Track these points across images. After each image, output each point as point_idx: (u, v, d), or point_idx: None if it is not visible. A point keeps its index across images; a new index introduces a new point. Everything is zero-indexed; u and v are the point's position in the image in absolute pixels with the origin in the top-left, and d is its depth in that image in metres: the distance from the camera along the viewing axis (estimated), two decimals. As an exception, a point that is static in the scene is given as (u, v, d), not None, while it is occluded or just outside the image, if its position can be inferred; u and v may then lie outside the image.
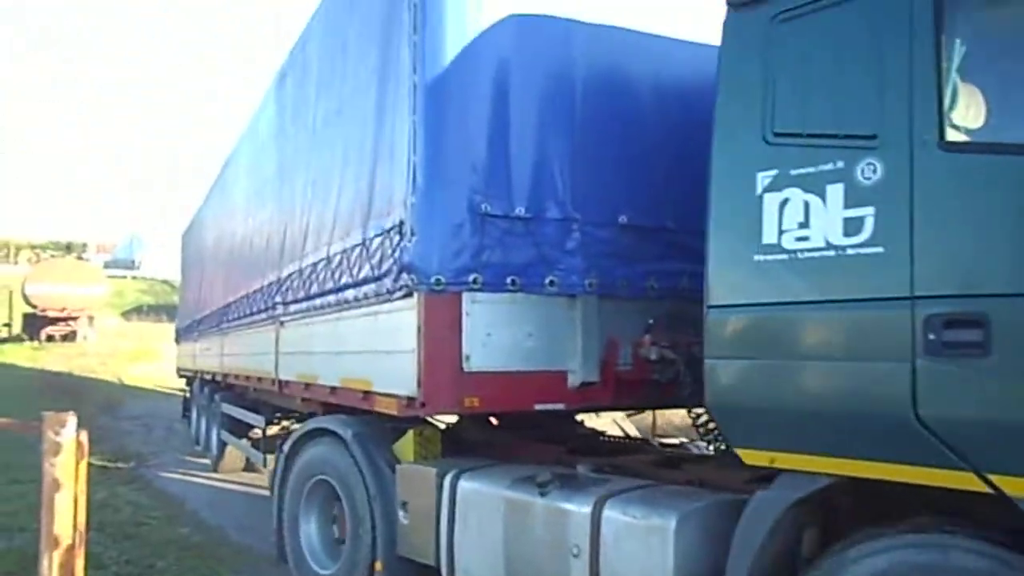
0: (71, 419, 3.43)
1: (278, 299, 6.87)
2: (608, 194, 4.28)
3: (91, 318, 30.75)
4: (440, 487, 4.25)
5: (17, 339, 29.79)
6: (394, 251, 4.27)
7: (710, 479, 3.83)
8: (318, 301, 5.66)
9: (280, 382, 6.79)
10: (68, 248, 49.70)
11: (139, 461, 11.57)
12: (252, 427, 9.85)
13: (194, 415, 13.52)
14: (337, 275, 5.24)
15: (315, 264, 5.76)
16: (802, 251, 2.80)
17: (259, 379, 7.79)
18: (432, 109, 3.96)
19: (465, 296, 3.94)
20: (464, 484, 4.13)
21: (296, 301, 6.28)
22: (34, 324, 29.61)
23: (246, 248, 8.60)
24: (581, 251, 4.18)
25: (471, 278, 3.94)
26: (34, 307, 29.56)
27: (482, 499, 4.01)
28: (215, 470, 10.54)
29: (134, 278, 44.77)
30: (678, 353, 4.13)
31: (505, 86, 4.07)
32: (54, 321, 29.51)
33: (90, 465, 3.69)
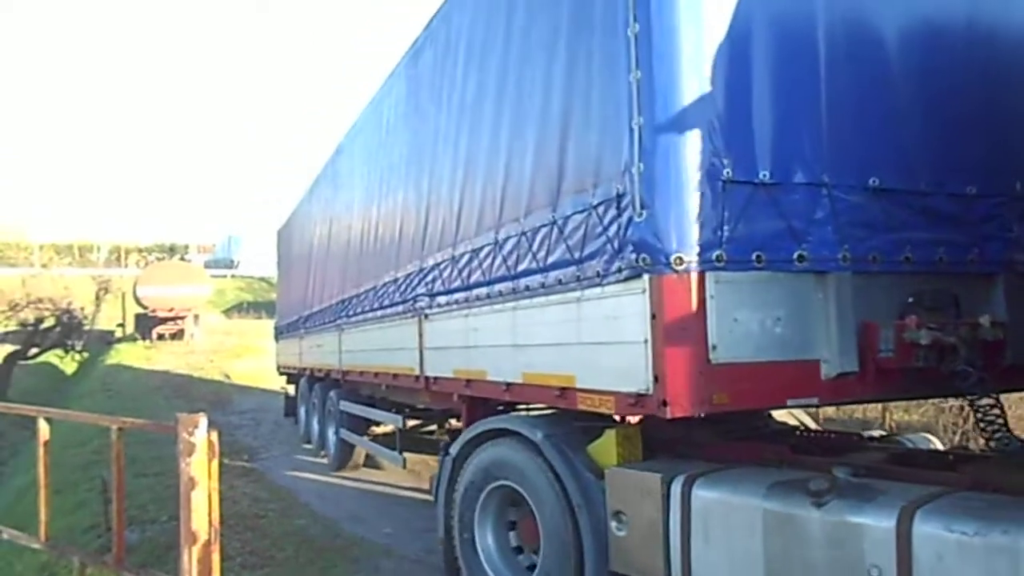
0: (202, 420, 3.54)
1: (421, 290, 6.45)
2: (857, 154, 3.70)
3: (197, 317, 31.82)
4: (667, 495, 3.71)
5: (131, 338, 31.05)
6: (607, 228, 3.75)
7: (1005, 483, 3.21)
8: (482, 291, 5.19)
9: (427, 379, 6.36)
10: (172, 250, 51.07)
11: (251, 455, 11.86)
12: (372, 425, 9.65)
13: (302, 414, 13.33)
14: (512, 261, 4.76)
15: (476, 251, 5.29)
16: None
17: (394, 376, 7.40)
18: (662, 65, 3.42)
19: (708, 276, 3.39)
20: (701, 492, 3.58)
21: (448, 292, 5.84)
22: (145, 324, 30.82)
23: (369, 239, 8.23)
24: (831, 221, 3.60)
25: (714, 255, 3.39)
26: (145, 308, 30.83)
27: (730, 510, 3.46)
28: (335, 469, 10.24)
29: (233, 276, 46.14)
30: (954, 335, 3.51)
31: (742, 36, 3.52)
32: (163, 321, 30.67)
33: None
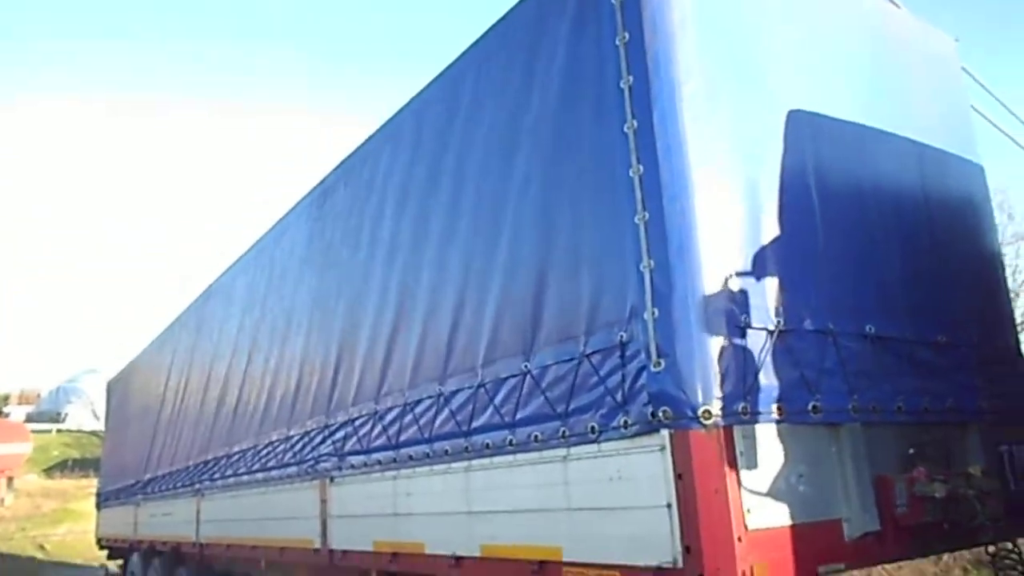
0: None
1: (326, 450, 5.72)
2: (853, 301, 3.63)
3: (10, 479, 27.67)
4: None
5: None
6: (605, 379, 3.39)
7: None
8: (419, 449, 4.61)
9: (331, 551, 5.52)
10: None
11: None
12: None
13: (133, 596, 11.46)
14: (464, 415, 4.25)
15: (410, 405, 4.74)
16: None
17: (281, 550, 6.42)
18: (677, 209, 3.22)
19: (736, 430, 3.07)
20: None
21: (367, 451, 5.17)
22: None
23: (249, 392, 7.36)
24: (840, 370, 3.44)
25: (739, 407, 3.10)
26: None
27: None
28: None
29: (59, 431, 40.72)
30: (971, 487, 3.38)
31: (751, 188, 3.44)
32: None
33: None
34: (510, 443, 3.91)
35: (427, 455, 4.53)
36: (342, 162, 6.07)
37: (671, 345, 3.11)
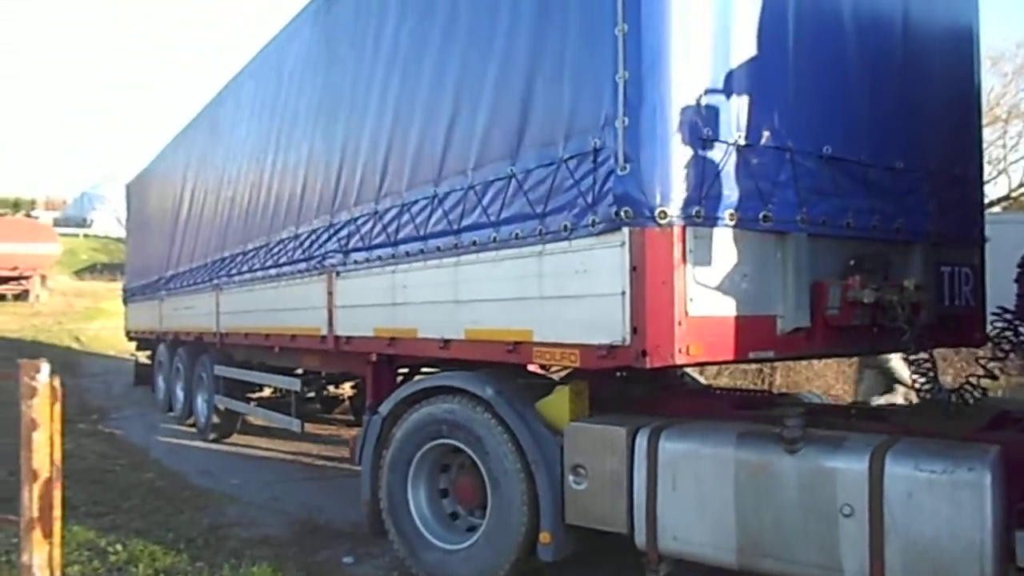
0: (44, 365, 3.67)
1: (331, 247, 6.17)
2: (815, 122, 3.90)
3: (44, 277, 29.27)
4: (632, 448, 3.80)
5: None
6: (579, 182, 3.74)
7: (930, 429, 3.53)
8: (414, 246, 5.04)
9: (337, 338, 6.12)
10: (15, 205, 46.34)
11: (101, 415, 11.80)
12: (250, 390, 9.27)
13: (160, 381, 12.50)
14: (455, 215, 4.64)
15: (407, 205, 5.12)
16: None
17: (292, 337, 7.06)
18: (650, 22, 3.43)
19: (688, 231, 3.46)
20: (669, 444, 3.68)
21: (368, 248, 5.62)
22: None
23: (261, 193, 7.76)
24: (792, 184, 3.78)
25: (694, 211, 3.47)
26: None
27: (700, 460, 3.58)
28: (209, 436, 9.69)
29: (86, 236, 42.35)
30: (894, 295, 3.80)
31: (726, 5, 3.63)
32: (5, 280, 28.08)
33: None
34: (494, 240, 4.32)
35: (421, 251, 4.97)
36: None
37: (637, 152, 3.43)
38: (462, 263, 4.62)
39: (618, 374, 4.58)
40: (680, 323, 3.42)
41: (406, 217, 5.14)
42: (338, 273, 6.10)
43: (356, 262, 5.81)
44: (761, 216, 3.67)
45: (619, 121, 3.47)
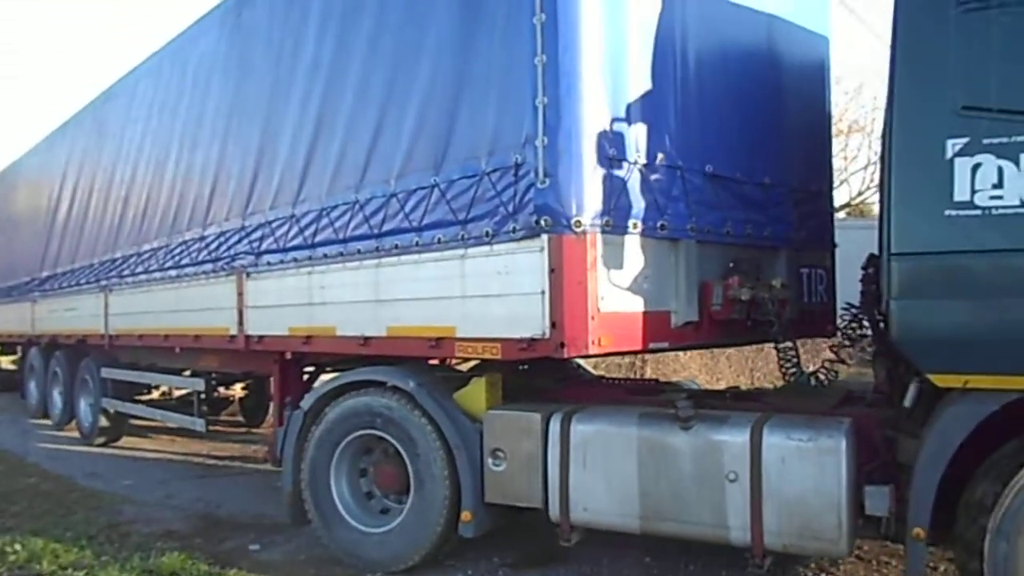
0: None
1: (242, 248, 6.33)
2: (699, 145, 4.50)
3: None
4: (546, 431, 4.26)
5: None
6: (500, 193, 4.18)
7: (794, 407, 4.20)
8: (332, 248, 5.32)
9: (248, 337, 6.28)
10: None
11: None
12: (142, 392, 9.18)
13: (32, 387, 11.99)
14: (377, 220, 4.97)
15: (326, 210, 5.39)
16: (995, 208, 3.14)
17: (196, 337, 7.12)
18: (567, 53, 3.92)
19: (599, 238, 3.96)
20: (580, 427, 4.18)
21: (283, 250, 5.84)
22: None
23: (159, 194, 7.74)
24: (683, 198, 4.36)
25: (604, 220, 3.98)
26: None
27: (607, 439, 4.09)
28: (95, 440, 9.48)
29: None
30: (766, 292, 4.45)
31: (622, 41, 4.17)
32: None
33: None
34: (416, 244, 4.69)
35: (341, 254, 5.25)
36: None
37: (555, 168, 3.91)
38: (383, 265, 4.94)
39: (521, 367, 5.06)
40: (593, 318, 3.91)
41: (325, 221, 5.40)
42: (249, 274, 6.26)
43: (269, 263, 6.00)
44: (659, 225, 4.23)
45: (539, 140, 3.93)
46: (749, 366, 11.97)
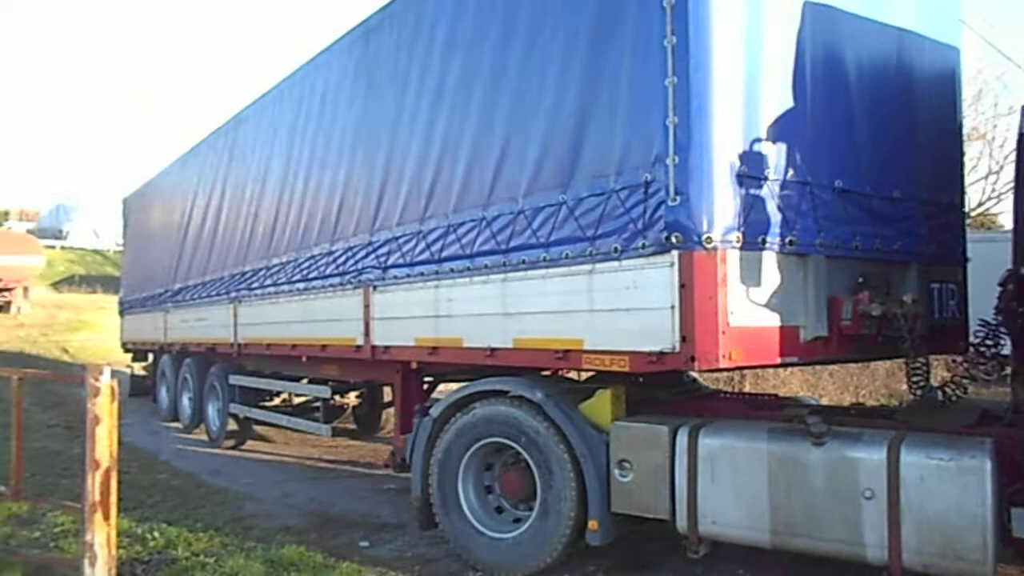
0: (107, 368, 4.19)
1: (369, 263, 6.64)
2: (828, 160, 4.51)
3: (26, 290, 29.45)
4: (673, 443, 4.34)
5: None
6: (629, 210, 4.29)
7: (929, 425, 4.12)
8: (459, 263, 5.54)
9: (374, 348, 6.58)
10: None
11: None
12: (266, 399, 9.69)
13: (163, 392, 12.79)
14: (504, 236, 5.16)
15: (453, 227, 5.62)
16: None
17: (323, 347, 7.49)
18: (697, 74, 4.01)
19: (730, 254, 4.03)
20: (708, 440, 4.23)
21: (410, 264, 6.11)
22: None
23: (288, 212, 8.20)
24: (812, 213, 4.38)
25: (734, 237, 4.04)
26: None
27: (736, 453, 4.13)
28: (221, 444, 10.04)
29: (63, 248, 42.30)
30: (898, 308, 4.41)
31: (752, 59, 4.23)
32: None
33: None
34: (544, 259, 4.85)
35: (468, 268, 5.47)
36: (386, 6, 6.60)
37: (686, 185, 4.00)
38: (510, 279, 5.13)
39: (639, 379, 5.15)
40: (724, 332, 3.98)
41: (452, 237, 5.64)
42: (375, 287, 6.57)
43: (396, 277, 6.29)
44: (788, 241, 4.26)
45: (670, 159, 4.03)
46: (853, 383, 11.65)
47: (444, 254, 5.73)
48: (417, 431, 5.60)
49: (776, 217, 4.22)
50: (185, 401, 11.61)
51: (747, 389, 10.55)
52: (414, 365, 6.31)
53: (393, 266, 6.34)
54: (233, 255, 9.66)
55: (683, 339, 4.00)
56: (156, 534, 5.91)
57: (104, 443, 4.14)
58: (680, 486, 4.29)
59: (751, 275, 4.13)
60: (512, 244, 5.11)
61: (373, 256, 6.61)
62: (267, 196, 8.77)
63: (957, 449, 3.59)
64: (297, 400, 9.90)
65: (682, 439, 4.31)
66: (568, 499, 4.66)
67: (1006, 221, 18.71)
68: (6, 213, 48.12)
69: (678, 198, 4.02)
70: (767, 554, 4.24)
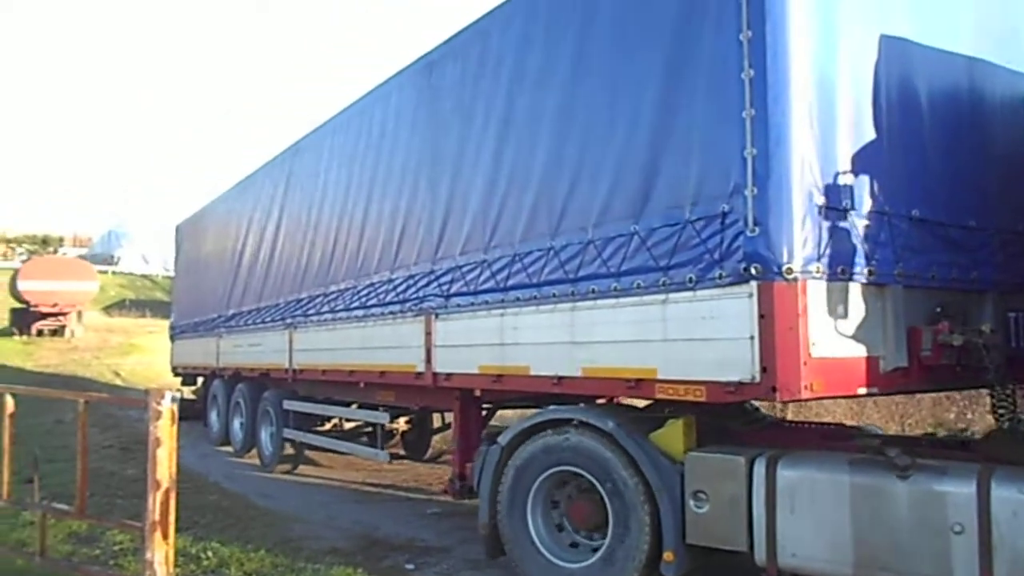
0: (168, 393, 4.32)
1: (431, 291, 6.72)
2: (905, 190, 4.49)
3: (80, 313, 30.58)
4: (751, 474, 4.31)
5: (6, 333, 29.82)
6: (705, 240, 4.31)
7: (1015, 458, 4.05)
8: (526, 292, 5.59)
9: (435, 375, 6.64)
10: (44, 242, 48.29)
11: None
12: (318, 424, 9.79)
13: (213, 416, 12.98)
14: (573, 266, 5.20)
15: (519, 255, 5.68)
16: None
17: (381, 373, 7.57)
18: (776, 105, 4.04)
19: (809, 284, 4.02)
20: (786, 472, 4.20)
21: (474, 293, 6.17)
22: (23, 318, 29.75)
23: (347, 239, 8.34)
24: (890, 243, 4.36)
25: (813, 267, 4.04)
26: (25, 303, 29.62)
27: (817, 485, 4.10)
28: (272, 470, 10.15)
29: (114, 273, 43.94)
30: (980, 338, 4.35)
31: (829, 90, 4.25)
32: (44, 316, 29.60)
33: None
34: (615, 289, 4.88)
35: (534, 297, 5.52)
36: (451, 38, 6.73)
37: (765, 216, 4.02)
38: (579, 308, 5.16)
39: (707, 409, 5.12)
40: (805, 363, 3.96)
41: (518, 266, 5.70)
42: (437, 315, 6.64)
43: (459, 305, 6.35)
44: (867, 271, 4.24)
45: (748, 190, 4.05)
46: (899, 411, 11.42)
47: (510, 282, 5.78)
48: (485, 458, 5.63)
49: (856, 247, 4.21)
50: (236, 425, 11.77)
51: (789, 417, 10.45)
52: (478, 392, 6.35)
53: (456, 294, 6.41)
54: (289, 282, 9.83)
55: (764, 369, 4.00)
56: (209, 553, 6.06)
57: (164, 465, 4.30)
58: (758, 518, 4.26)
59: (832, 306, 4.11)
60: (581, 273, 5.15)
61: (435, 284, 6.68)
62: (324, 224, 8.93)
63: (1050, 484, 3.52)
64: (348, 425, 9.99)
65: (759, 470, 4.28)
66: (643, 530, 4.65)
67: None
68: (61, 239, 49.79)
69: (757, 229, 4.03)
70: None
